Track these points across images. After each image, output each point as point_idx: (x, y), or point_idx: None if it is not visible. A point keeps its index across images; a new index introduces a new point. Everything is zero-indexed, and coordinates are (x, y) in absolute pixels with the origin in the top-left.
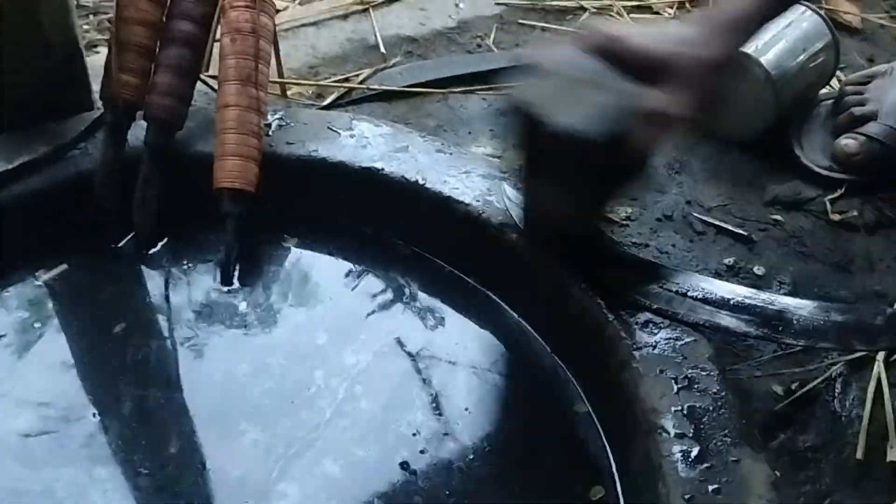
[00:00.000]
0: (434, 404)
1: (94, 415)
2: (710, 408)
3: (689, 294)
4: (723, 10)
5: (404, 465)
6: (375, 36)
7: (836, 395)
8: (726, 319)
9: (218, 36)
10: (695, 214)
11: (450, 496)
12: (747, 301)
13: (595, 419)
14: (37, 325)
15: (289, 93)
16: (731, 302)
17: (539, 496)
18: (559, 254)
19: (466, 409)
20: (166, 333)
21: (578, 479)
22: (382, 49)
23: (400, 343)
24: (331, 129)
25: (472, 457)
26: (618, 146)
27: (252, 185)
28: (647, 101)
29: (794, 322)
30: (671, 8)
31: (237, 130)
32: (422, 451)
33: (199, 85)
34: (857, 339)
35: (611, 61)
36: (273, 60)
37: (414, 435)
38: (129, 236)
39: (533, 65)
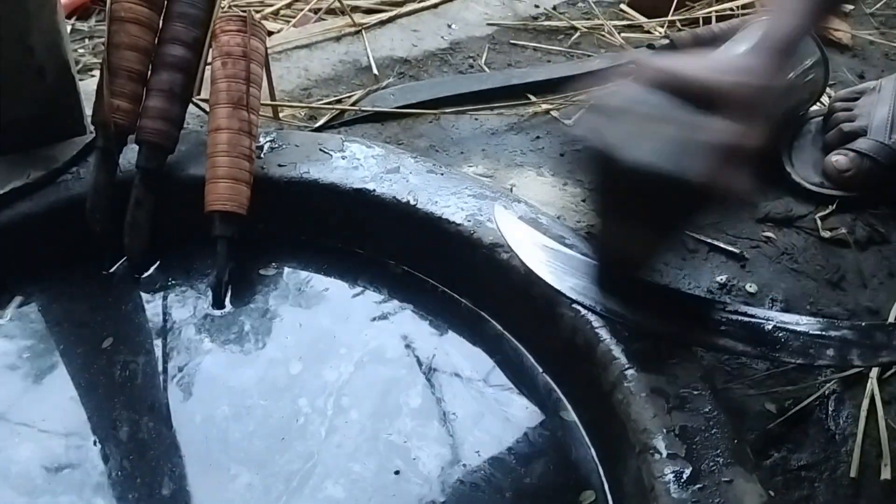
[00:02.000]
0: (421, 411)
1: (94, 443)
2: (703, 427)
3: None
4: (775, 31)
5: (398, 474)
6: (368, 57)
7: (829, 412)
8: (722, 339)
9: (210, 60)
10: (687, 232)
11: (445, 503)
12: (743, 319)
13: (585, 434)
14: (30, 351)
15: (281, 115)
16: (727, 320)
17: (531, 500)
18: (636, 296)
19: (454, 415)
20: (159, 361)
21: (569, 484)
22: (375, 70)
23: (383, 353)
24: (322, 151)
25: (462, 463)
26: (695, 181)
27: (243, 208)
28: (721, 133)
29: (792, 340)
30: (662, 27)
31: (228, 153)
32: (414, 459)
33: (191, 108)
34: (856, 356)
35: (673, 94)
36: (265, 83)
37: (405, 443)
38: (121, 260)
39: (598, 105)
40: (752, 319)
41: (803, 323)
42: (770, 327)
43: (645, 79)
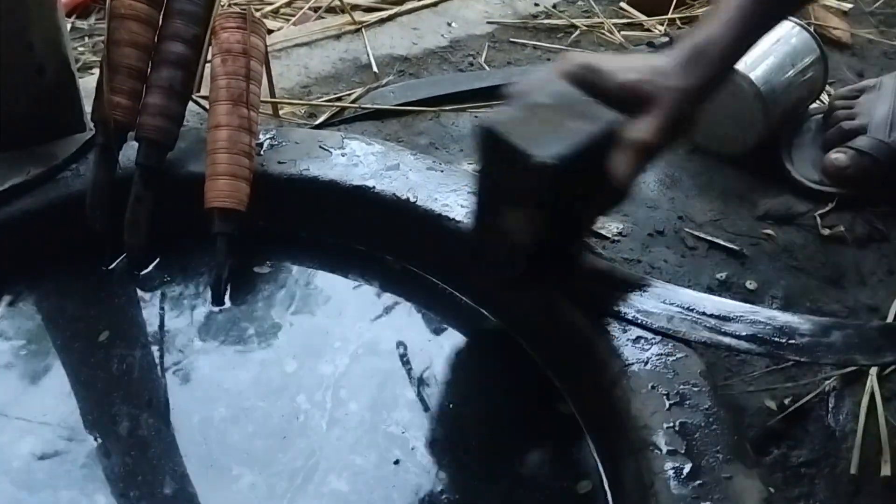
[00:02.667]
0: (418, 402)
1: (94, 439)
2: (703, 424)
3: (689, 310)
4: (699, 37)
5: (398, 464)
6: (368, 55)
7: (829, 409)
8: (727, 338)
9: (209, 57)
10: (686, 230)
11: (443, 492)
12: (748, 318)
13: (584, 429)
14: (31, 348)
15: (281, 112)
16: (731, 319)
17: (528, 489)
18: (518, 277)
19: (450, 406)
20: (158, 358)
21: (566, 474)
22: (375, 68)
23: (382, 347)
24: (322, 148)
25: (460, 452)
26: (589, 173)
27: (243, 205)
28: (621, 128)
29: (796, 338)
30: (661, 25)
31: (228, 150)
32: (412, 449)
33: (190, 105)
34: (860, 355)
35: (586, 89)
36: (265, 80)
37: (403, 433)
38: (121, 257)
39: (508, 91)
40: (755, 317)
41: (807, 321)
42: (774, 325)
43: (562, 72)
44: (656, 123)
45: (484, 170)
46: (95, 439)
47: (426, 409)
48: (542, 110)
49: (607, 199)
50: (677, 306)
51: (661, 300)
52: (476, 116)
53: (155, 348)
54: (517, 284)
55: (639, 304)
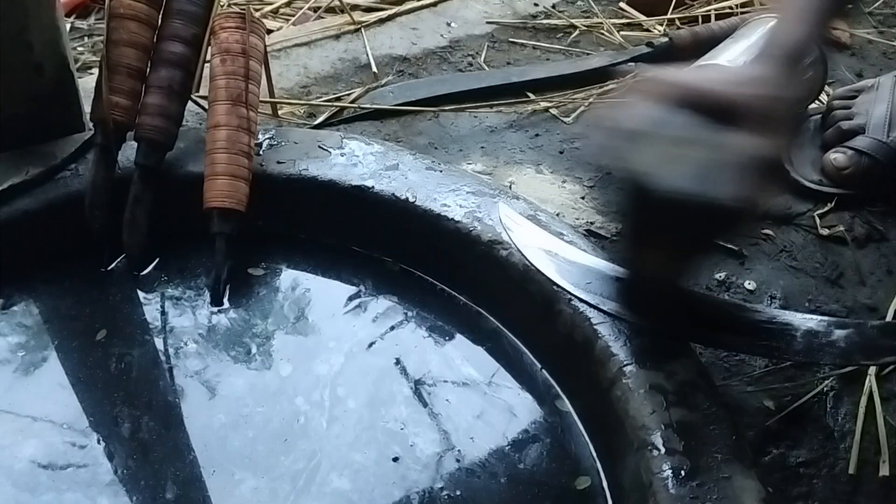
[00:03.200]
0: (415, 398)
1: (97, 441)
2: (701, 424)
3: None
4: (783, 40)
5: (397, 461)
6: (367, 55)
7: (827, 409)
8: (727, 337)
9: (209, 57)
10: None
11: (443, 488)
12: (749, 318)
13: (582, 428)
14: (29, 347)
15: (280, 112)
16: (733, 318)
17: (526, 485)
18: (662, 319)
19: (447, 401)
20: (158, 359)
21: (564, 470)
22: (374, 68)
23: (382, 344)
24: (321, 148)
25: (458, 448)
26: (729, 202)
27: (242, 205)
28: (748, 149)
29: (796, 338)
30: (661, 25)
31: (227, 150)
32: (411, 445)
33: (190, 105)
34: (860, 354)
35: (691, 111)
36: (264, 80)
37: (402, 429)
38: (120, 258)
39: (622, 129)
40: (757, 317)
41: (807, 320)
42: (774, 325)
43: (660, 95)
44: (782, 140)
45: (624, 213)
46: (98, 441)
47: (424, 405)
48: (666, 143)
49: (731, 230)
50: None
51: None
52: (475, 116)
53: (154, 349)
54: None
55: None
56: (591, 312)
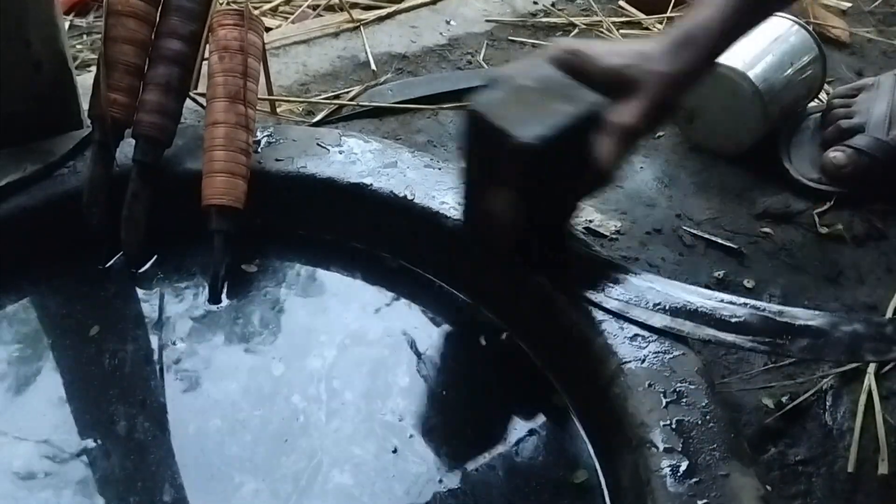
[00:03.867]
0: (412, 390)
1: (93, 440)
2: (699, 422)
3: (689, 310)
4: (688, 22)
5: (396, 453)
6: (366, 53)
7: (826, 407)
8: (731, 336)
9: (207, 54)
10: (684, 228)
11: (441, 480)
12: (753, 315)
13: (580, 425)
14: (24, 344)
15: (279, 110)
16: (735, 316)
17: (524, 478)
18: (511, 255)
19: (443, 393)
20: (154, 357)
21: (561, 463)
22: (373, 66)
23: (381, 340)
24: (320, 146)
25: (456, 441)
26: (573, 156)
27: (240, 202)
28: (605, 112)
29: (800, 335)
30: (660, 24)
31: (225, 147)
32: (410, 437)
33: (188, 103)
34: (867, 351)
35: (572, 73)
36: (263, 78)
37: (400, 421)
38: (118, 255)
39: (494, 76)
40: (761, 313)
41: (814, 316)
42: (779, 322)
43: (549, 57)
44: (640, 108)
45: (470, 151)
46: (94, 440)
47: (420, 397)
48: (526, 93)
49: (591, 182)
50: (672, 302)
51: (655, 294)
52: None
53: (150, 347)
54: (510, 264)
55: (628, 295)
56: (589, 309)
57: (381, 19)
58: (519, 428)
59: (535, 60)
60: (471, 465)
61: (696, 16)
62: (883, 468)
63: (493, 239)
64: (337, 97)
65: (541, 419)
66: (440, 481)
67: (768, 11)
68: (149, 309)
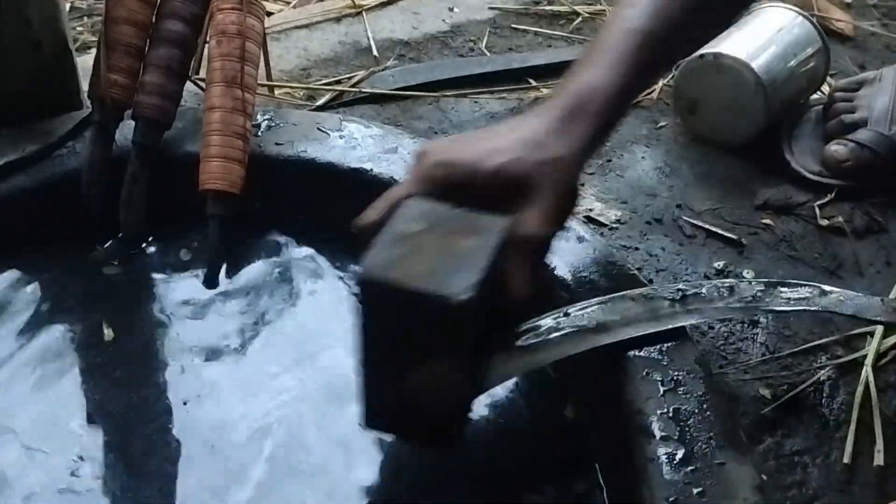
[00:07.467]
0: None
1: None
2: (696, 410)
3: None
4: (575, 87)
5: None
6: (368, 39)
7: (823, 399)
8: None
9: (208, 38)
10: (685, 218)
11: (440, 488)
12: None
13: (577, 416)
14: (18, 326)
15: (280, 94)
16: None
17: (521, 487)
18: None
19: None
20: (150, 342)
21: (561, 471)
22: (375, 52)
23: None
24: (320, 130)
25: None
26: (488, 295)
27: (236, 187)
28: (511, 230)
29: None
30: None
31: (222, 132)
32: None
33: (191, 86)
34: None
35: (452, 192)
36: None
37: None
38: (116, 236)
39: (361, 226)
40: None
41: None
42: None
43: (418, 184)
44: (543, 211)
45: (370, 333)
46: (86, 421)
47: None
48: (418, 240)
49: (513, 310)
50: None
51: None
52: (476, 102)
53: (144, 329)
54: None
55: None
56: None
57: (383, 5)
58: (518, 427)
59: (406, 196)
60: (466, 473)
61: (584, 78)
62: (879, 459)
63: (422, 424)
64: (338, 82)
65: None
66: (439, 484)
67: (668, 67)
68: (144, 291)
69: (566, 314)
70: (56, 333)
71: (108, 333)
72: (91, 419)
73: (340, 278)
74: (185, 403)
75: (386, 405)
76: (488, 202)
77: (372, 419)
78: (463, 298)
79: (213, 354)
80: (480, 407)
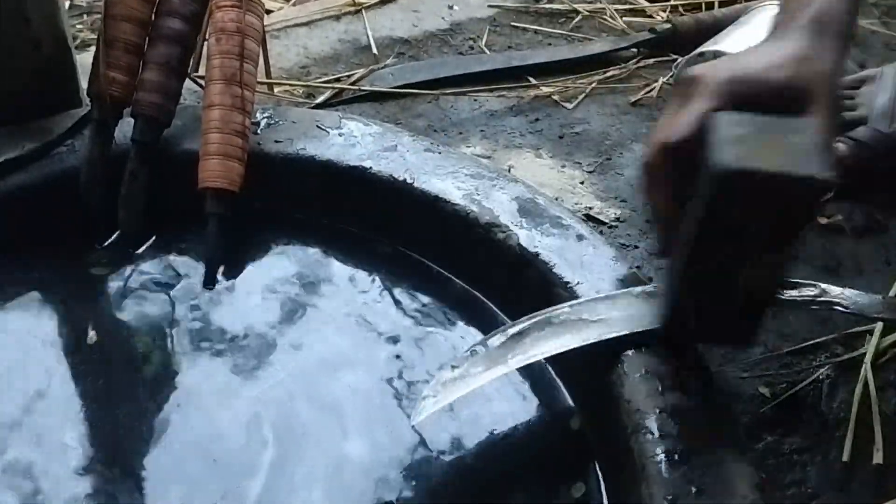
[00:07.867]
0: (411, 380)
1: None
2: (695, 409)
3: None
4: (812, 13)
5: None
6: (368, 37)
7: (822, 397)
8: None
9: (207, 36)
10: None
11: (444, 495)
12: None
13: (578, 413)
14: (17, 323)
15: (279, 93)
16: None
17: (520, 492)
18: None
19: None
20: (149, 339)
21: (560, 476)
22: (374, 50)
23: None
24: (320, 128)
25: (457, 420)
26: (820, 182)
27: (235, 185)
28: (821, 129)
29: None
30: (664, 11)
31: (220, 130)
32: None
33: (190, 84)
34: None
35: (744, 104)
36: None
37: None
38: (115, 234)
39: (712, 141)
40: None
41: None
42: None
43: (714, 100)
44: (826, 119)
45: (708, 227)
46: (84, 412)
47: (419, 383)
48: (755, 139)
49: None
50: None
51: None
52: (475, 100)
53: (144, 326)
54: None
55: None
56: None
57: (383, 3)
58: (517, 424)
59: (706, 111)
60: (466, 477)
61: (816, 5)
62: (877, 458)
63: (727, 322)
64: (338, 80)
65: (539, 413)
66: (445, 486)
67: None
68: (144, 289)
69: (561, 311)
70: (49, 327)
71: (91, 336)
72: (76, 425)
73: (338, 274)
74: (178, 406)
75: (700, 307)
76: (777, 111)
77: (676, 328)
78: (827, 175)
79: (214, 352)
80: (481, 407)
